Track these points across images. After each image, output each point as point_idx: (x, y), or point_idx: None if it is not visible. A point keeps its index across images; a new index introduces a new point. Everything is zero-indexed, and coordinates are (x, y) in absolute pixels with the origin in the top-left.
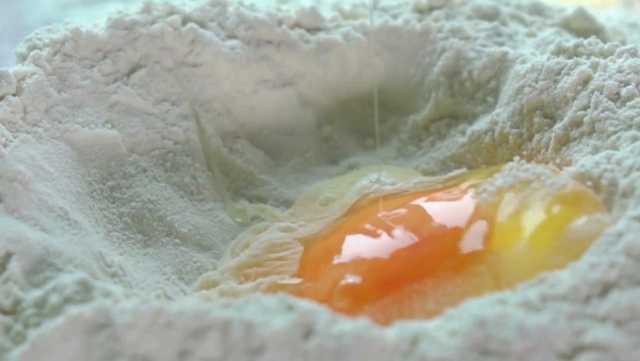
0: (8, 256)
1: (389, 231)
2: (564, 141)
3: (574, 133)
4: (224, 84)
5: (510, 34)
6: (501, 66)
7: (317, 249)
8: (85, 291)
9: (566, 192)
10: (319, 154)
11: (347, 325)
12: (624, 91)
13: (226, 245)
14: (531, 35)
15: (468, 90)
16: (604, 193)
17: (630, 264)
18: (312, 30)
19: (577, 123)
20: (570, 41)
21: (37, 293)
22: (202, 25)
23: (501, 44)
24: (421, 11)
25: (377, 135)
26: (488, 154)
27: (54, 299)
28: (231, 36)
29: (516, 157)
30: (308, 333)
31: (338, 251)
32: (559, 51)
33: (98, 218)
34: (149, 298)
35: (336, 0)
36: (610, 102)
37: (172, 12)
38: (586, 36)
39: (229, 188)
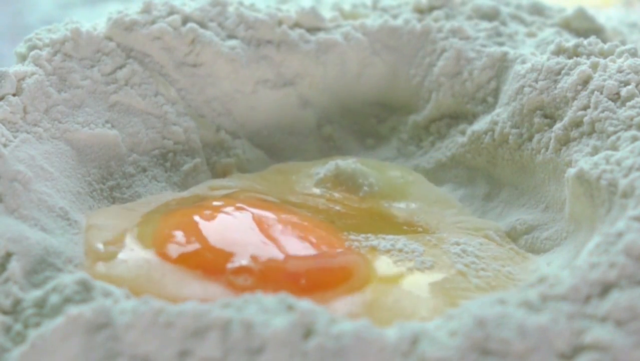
0: (8, 256)
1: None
2: (564, 141)
3: (574, 133)
4: (224, 84)
5: (510, 34)
6: (501, 65)
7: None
8: (85, 291)
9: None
10: (319, 154)
11: (347, 325)
12: (624, 91)
13: None
14: (531, 35)
15: (468, 90)
16: (603, 194)
17: (630, 264)
18: (312, 30)
19: (577, 123)
20: (570, 41)
21: (37, 293)
22: (202, 25)
23: (501, 44)
24: (421, 11)
25: None
26: (488, 154)
27: (54, 299)
28: (231, 36)
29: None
30: (308, 333)
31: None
32: (559, 51)
33: None
34: (149, 298)
35: (336, 0)
36: (610, 102)
37: (172, 12)
38: (586, 36)
39: None
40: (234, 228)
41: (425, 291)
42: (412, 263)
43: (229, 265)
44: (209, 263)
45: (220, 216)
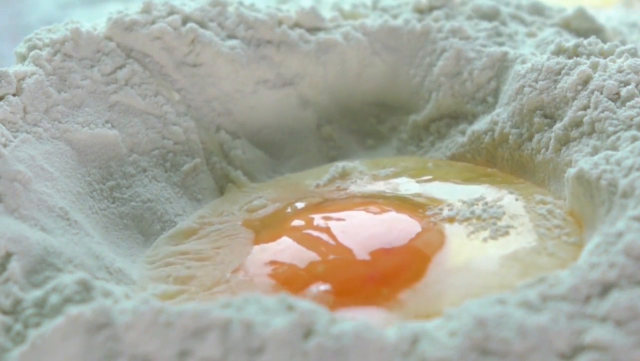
0: (8, 256)
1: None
2: (564, 141)
3: (574, 133)
4: (224, 84)
5: (510, 34)
6: (501, 65)
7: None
8: (85, 291)
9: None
10: (319, 154)
11: (347, 325)
12: (624, 91)
13: None
14: (531, 35)
15: (468, 90)
16: (603, 194)
17: (630, 264)
18: (312, 30)
19: (577, 123)
20: (570, 41)
21: (37, 293)
22: (202, 25)
23: (501, 44)
24: (421, 11)
25: None
26: (488, 154)
27: (54, 299)
28: (231, 36)
29: None
30: (308, 333)
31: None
32: (559, 51)
33: (98, 218)
34: (149, 298)
35: (336, 0)
36: (610, 102)
37: (172, 12)
38: (586, 36)
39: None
40: (317, 246)
41: (494, 265)
42: (487, 232)
43: (311, 289)
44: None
45: (303, 236)
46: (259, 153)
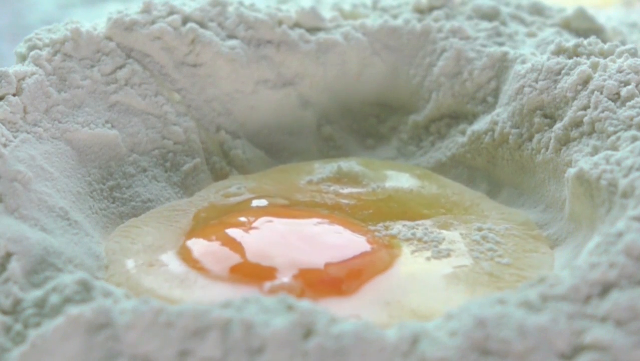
0: (8, 256)
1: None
2: (564, 141)
3: (574, 133)
4: (224, 84)
5: (510, 34)
6: (501, 65)
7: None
8: (85, 291)
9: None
10: (319, 154)
11: (347, 325)
12: (623, 91)
13: None
14: (531, 35)
15: (468, 90)
16: (603, 194)
17: (630, 264)
18: (312, 30)
19: (577, 123)
20: (570, 41)
21: (37, 293)
22: (202, 25)
23: (501, 44)
24: (421, 11)
25: None
26: (488, 154)
27: (54, 299)
28: (231, 36)
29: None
30: (308, 333)
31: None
32: (559, 51)
33: (98, 218)
34: (149, 298)
35: (336, 0)
36: (610, 102)
37: (172, 12)
38: (586, 36)
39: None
40: (270, 244)
41: (441, 281)
42: (430, 252)
43: (269, 284)
44: (251, 279)
45: (255, 233)
46: (259, 153)
